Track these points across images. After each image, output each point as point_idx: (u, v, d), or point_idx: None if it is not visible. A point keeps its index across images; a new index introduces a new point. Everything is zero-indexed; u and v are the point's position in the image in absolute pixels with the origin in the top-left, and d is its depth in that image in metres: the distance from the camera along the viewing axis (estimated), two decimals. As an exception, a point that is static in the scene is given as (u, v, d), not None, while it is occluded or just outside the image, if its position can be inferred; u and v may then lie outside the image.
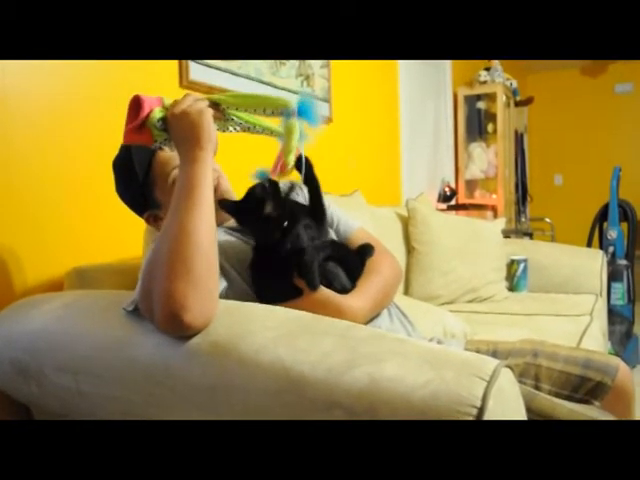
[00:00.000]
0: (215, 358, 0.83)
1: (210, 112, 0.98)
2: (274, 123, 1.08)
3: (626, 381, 1.22)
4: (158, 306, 0.85)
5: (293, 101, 1.03)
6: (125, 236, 1.60)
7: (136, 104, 0.98)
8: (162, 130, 0.99)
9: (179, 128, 0.96)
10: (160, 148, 1.13)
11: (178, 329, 0.86)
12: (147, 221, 1.26)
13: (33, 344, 1.06)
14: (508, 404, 0.73)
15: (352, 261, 1.15)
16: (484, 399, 0.69)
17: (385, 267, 1.18)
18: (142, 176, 1.18)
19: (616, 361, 1.24)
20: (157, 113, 0.98)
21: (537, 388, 1.22)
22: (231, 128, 1.06)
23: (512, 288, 2.70)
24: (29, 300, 1.19)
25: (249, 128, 1.07)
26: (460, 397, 0.70)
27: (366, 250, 1.16)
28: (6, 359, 1.09)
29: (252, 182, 1.09)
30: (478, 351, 1.28)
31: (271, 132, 1.08)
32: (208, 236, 0.91)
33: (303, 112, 1.03)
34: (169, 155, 1.17)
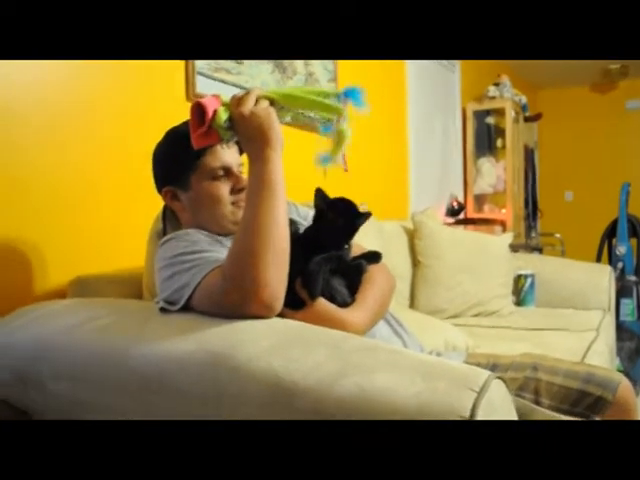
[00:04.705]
0: (208, 367, 0.84)
1: (274, 111, 1.02)
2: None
3: (628, 397, 1.21)
4: (254, 292, 0.93)
5: (344, 108, 1.05)
6: (128, 246, 1.61)
7: (199, 109, 1.01)
8: (228, 129, 1.02)
9: (249, 128, 1.00)
10: (228, 143, 1.18)
11: (269, 313, 0.95)
12: (164, 195, 1.25)
13: (32, 351, 1.07)
14: (498, 416, 0.73)
15: (352, 275, 1.17)
16: (473, 410, 0.69)
17: (380, 278, 1.19)
18: (197, 151, 1.15)
19: (618, 376, 1.23)
20: (222, 114, 1.01)
21: (537, 402, 1.21)
22: (284, 119, 1.08)
23: (519, 303, 2.69)
24: (30, 308, 1.21)
25: (297, 120, 1.09)
26: (450, 408, 0.70)
27: (362, 265, 1.17)
28: (7, 366, 1.10)
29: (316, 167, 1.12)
30: (478, 364, 1.27)
31: (318, 122, 1.09)
32: (287, 228, 1.01)
33: (351, 96, 1.05)
34: (222, 152, 1.19)
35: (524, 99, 4.63)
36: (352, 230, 1.16)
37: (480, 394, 0.71)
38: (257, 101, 1.01)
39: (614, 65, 5.60)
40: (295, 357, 0.81)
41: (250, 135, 1.00)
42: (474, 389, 0.72)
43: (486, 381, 0.73)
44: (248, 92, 1.02)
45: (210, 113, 1.00)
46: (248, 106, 0.99)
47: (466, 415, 0.69)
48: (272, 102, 1.03)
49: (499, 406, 0.74)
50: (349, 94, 1.05)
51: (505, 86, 4.35)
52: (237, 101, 1.01)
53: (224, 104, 1.02)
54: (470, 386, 0.72)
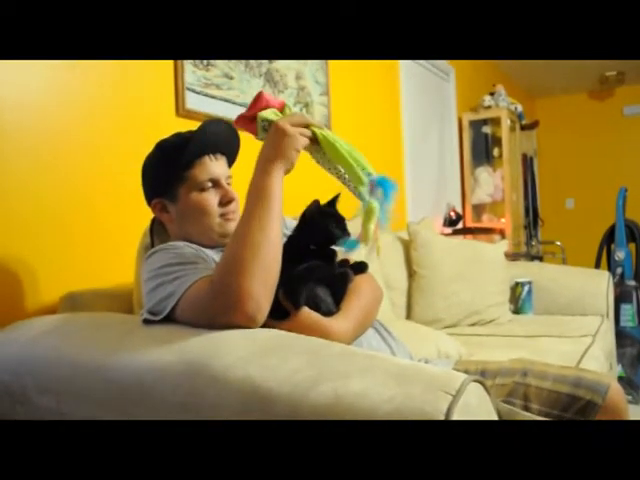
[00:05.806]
0: (187, 376, 0.84)
1: (304, 141, 1.04)
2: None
3: (618, 400, 1.20)
4: (237, 302, 0.93)
5: (373, 191, 1.06)
6: (119, 261, 1.62)
7: (258, 98, 1.06)
8: (263, 129, 1.05)
9: (274, 139, 1.03)
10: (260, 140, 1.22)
11: (251, 324, 0.94)
12: (153, 207, 1.27)
13: (18, 366, 1.07)
14: (475, 419, 0.73)
15: (337, 284, 1.17)
16: (448, 414, 0.69)
17: (366, 288, 1.19)
18: (185, 163, 1.20)
19: (607, 380, 1.22)
20: (267, 114, 1.05)
21: (526, 408, 1.20)
22: (322, 163, 1.10)
23: (517, 311, 2.68)
24: (18, 324, 1.21)
25: (331, 171, 1.10)
26: (424, 412, 0.69)
27: (347, 275, 1.17)
28: (-5, 382, 1.10)
29: (341, 251, 1.16)
30: (467, 371, 1.27)
31: (348, 187, 1.10)
32: (280, 242, 1.01)
33: (382, 185, 1.07)
34: (210, 164, 1.21)
35: (520, 107, 4.65)
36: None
37: (456, 397, 0.71)
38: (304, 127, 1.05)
39: (610, 72, 5.62)
40: (272, 365, 0.81)
41: (270, 144, 1.03)
42: (450, 392, 0.71)
43: (462, 384, 0.73)
44: (302, 115, 1.07)
45: (261, 105, 1.05)
46: (288, 122, 1.03)
47: (441, 419, 0.68)
48: (315, 139, 1.06)
49: (476, 409, 0.73)
50: (381, 183, 1.07)
51: (500, 95, 4.37)
52: (288, 115, 1.06)
53: (281, 110, 1.07)
54: (446, 389, 0.72)
